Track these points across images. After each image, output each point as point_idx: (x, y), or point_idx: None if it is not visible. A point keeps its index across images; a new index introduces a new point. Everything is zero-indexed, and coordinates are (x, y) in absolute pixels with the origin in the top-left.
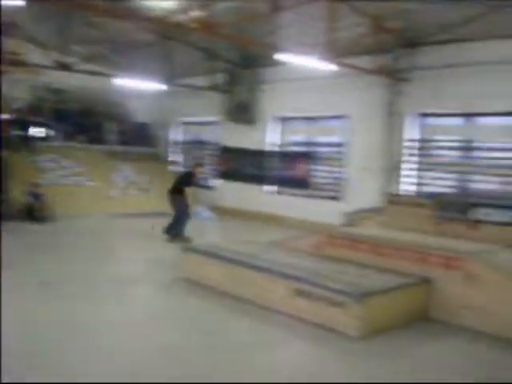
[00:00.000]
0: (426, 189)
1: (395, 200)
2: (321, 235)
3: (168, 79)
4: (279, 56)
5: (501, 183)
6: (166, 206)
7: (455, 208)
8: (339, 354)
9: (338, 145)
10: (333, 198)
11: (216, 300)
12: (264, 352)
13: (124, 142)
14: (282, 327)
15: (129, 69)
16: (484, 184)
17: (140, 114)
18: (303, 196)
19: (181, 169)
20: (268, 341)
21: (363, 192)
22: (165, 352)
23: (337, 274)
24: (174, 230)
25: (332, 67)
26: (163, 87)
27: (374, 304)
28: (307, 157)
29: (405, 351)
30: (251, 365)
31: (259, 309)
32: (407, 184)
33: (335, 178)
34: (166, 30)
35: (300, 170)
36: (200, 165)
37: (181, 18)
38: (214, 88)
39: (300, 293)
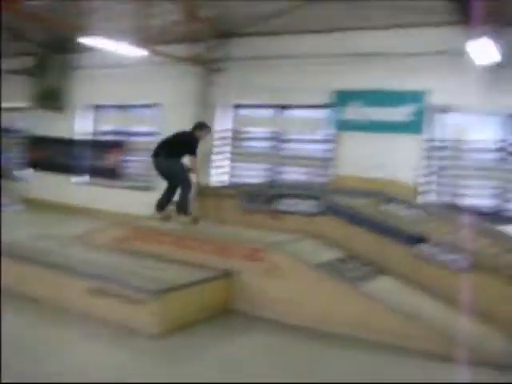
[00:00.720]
0: (238, 179)
1: (204, 191)
2: (124, 228)
3: None
4: (88, 40)
5: (307, 174)
6: None
7: (261, 199)
8: (133, 353)
9: (152, 134)
10: (146, 189)
11: (5, 302)
12: (48, 355)
13: None
14: (76, 328)
15: None
16: (292, 174)
17: None
18: (116, 187)
19: None
20: (56, 343)
21: None
22: None
23: (137, 269)
24: (183, 204)
25: (144, 54)
26: None
27: (173, 300)
28: (120, 146)
29: (204, 347)
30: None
31: (53, 309)
32: (220, 175)
33: (147, 168)
34: None
35: (112, 159)
36: (204, 126)
37: None
38: (21, 72)
39: (97, 290)
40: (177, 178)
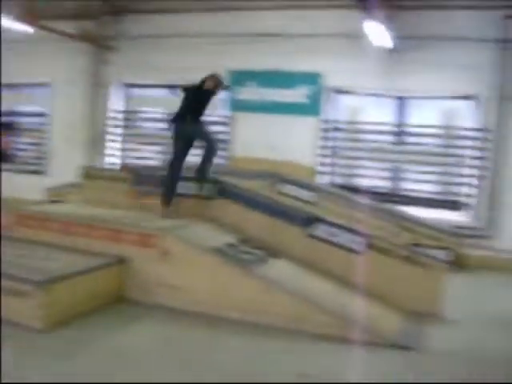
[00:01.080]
0: (131, 162)
1: (94, 174)
2: (8, 214)
3: None
4: None
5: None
6: None
7: (155, 182)
8: (16, 350)
9: (41, 115)
10: (37, 172)
11: None
12: None
13: None
14: None
15: None
16: (188, 156)
17: None
18: (4, 170)
19: None
20: None
21: (68, 165)
22: None
23: (21, 259)
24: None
25: (31, 30)
26: None
27: (60, 290)
28: (8, 127)
29: (94, 339)
30: None
31: None
32: (112, 156)
33: (38, 151)
34: None
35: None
36: (213, 77)
37: None
38: None
39: None
40: (207, 138)
